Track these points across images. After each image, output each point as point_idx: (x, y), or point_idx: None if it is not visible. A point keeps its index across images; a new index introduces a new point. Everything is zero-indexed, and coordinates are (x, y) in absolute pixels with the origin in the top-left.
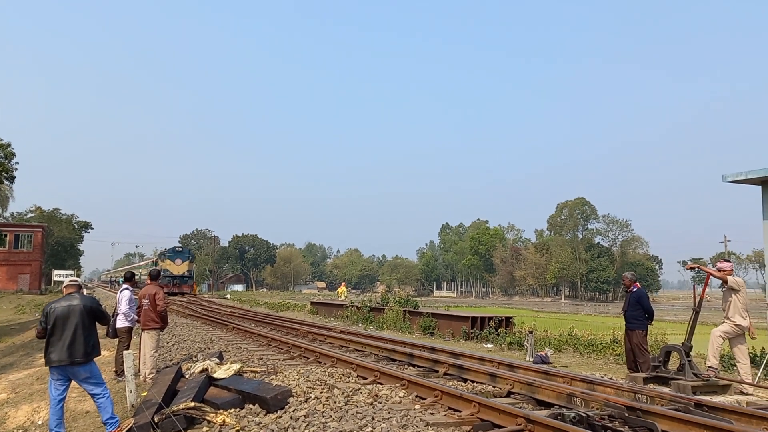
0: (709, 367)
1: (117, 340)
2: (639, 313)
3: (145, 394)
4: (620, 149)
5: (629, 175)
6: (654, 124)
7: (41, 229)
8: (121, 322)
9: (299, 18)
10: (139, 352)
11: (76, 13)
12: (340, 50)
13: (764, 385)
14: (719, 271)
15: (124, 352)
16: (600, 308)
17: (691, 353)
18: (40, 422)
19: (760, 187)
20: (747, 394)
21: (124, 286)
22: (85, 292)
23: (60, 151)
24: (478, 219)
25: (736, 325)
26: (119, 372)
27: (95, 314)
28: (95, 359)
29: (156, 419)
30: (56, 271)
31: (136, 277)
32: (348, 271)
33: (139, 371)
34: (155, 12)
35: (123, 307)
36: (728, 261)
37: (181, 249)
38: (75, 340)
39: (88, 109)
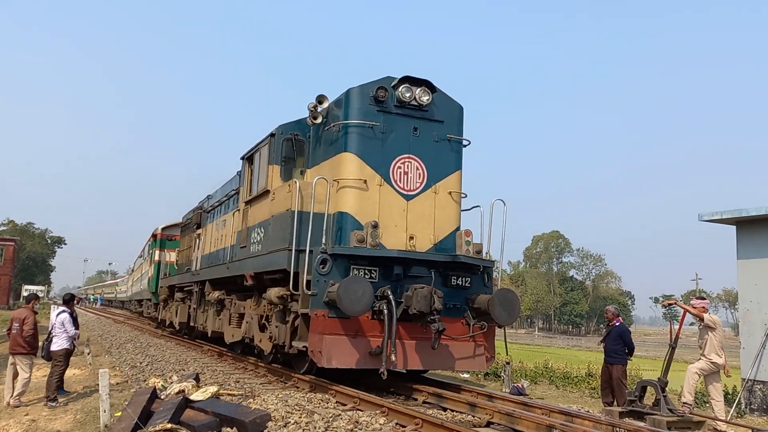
0: (683, 403)
1: (51, 363)
2: (620, 348)
3: (119, 414)
4: (598, 184)
5: (602, 209)
6: (625, 159)
7: (13, 243)
8: (57, 345)
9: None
10: (7, 377)
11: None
12: (317, 37)
13: (737, 423)
14: (694, 308)
15: (99, 370)
16: (573, 341)
17: (666, 389)
18: None
19: (734, 227)
20: (720, 431)
21: (62, 308)
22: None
23: (35, 165)
24: None
25: (712, 362)
26: (51, 398)
27: None
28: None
29: None
30: (26, 286)
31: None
32: None
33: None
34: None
35: (69, 328)
36: (703, 298)
37: None
38: None
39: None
